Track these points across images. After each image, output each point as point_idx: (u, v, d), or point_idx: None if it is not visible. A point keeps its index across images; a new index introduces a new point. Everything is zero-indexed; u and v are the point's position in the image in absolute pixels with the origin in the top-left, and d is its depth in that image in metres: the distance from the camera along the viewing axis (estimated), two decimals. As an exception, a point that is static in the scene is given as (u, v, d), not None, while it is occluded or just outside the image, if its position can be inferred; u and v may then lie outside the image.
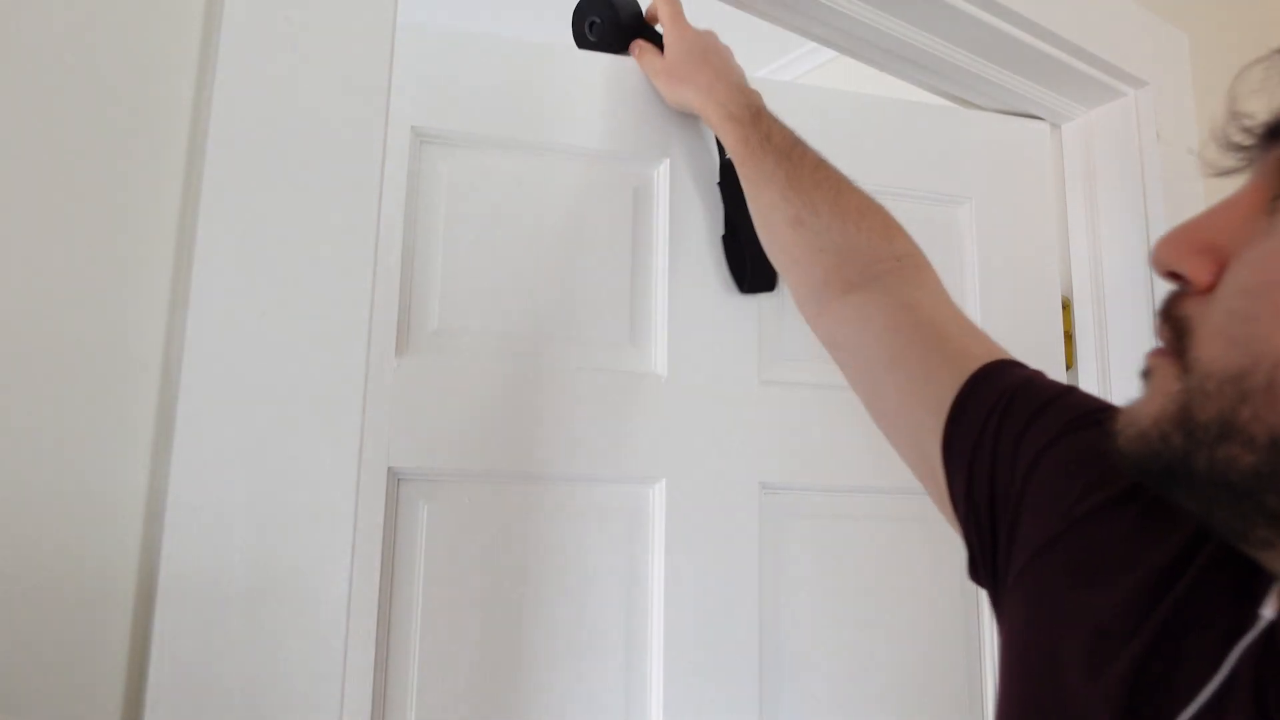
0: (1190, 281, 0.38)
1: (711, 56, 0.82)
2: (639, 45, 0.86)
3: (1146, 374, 0.40)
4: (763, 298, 0.92)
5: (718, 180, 0.87)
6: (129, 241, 0.52)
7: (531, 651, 0.75)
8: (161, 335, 0.52)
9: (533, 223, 0.83)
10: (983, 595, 0.94)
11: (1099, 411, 0.52)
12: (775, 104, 0.86)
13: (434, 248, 0.78)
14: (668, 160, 0.87)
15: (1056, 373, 1.06)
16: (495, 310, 0.79)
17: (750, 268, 0.85)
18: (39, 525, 0.47)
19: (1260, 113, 0.38)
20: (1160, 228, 1.03)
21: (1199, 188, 1.10)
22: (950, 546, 0.94)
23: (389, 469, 0.72)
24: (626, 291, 0.85)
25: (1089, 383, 1.06)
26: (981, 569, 0.55)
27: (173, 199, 0.53)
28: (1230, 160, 0.39)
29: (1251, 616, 0.39)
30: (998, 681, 0.50)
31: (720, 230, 0.87)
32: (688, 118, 0.89)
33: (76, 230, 0.50)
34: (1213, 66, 1.20)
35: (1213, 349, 0.36)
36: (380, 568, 0.71)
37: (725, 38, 0.86)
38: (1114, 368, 1.05)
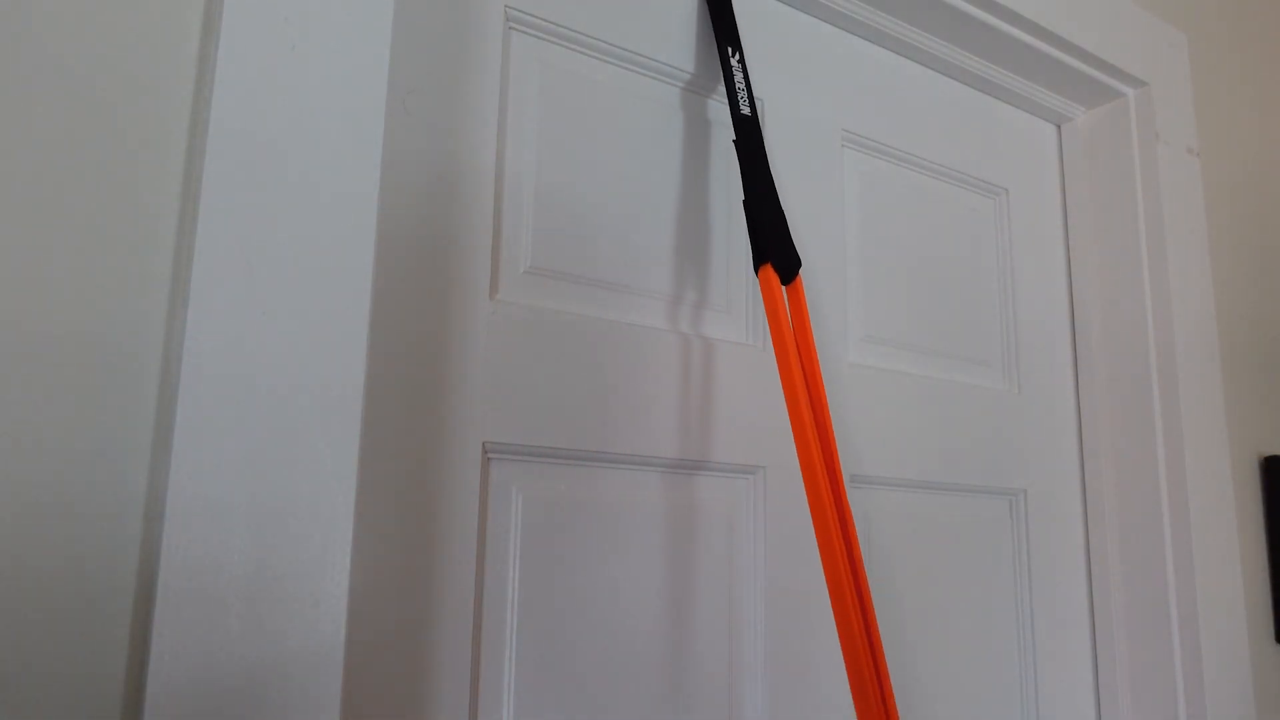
0: None
1: None
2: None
3: None
4: (852, 276, 0.86)
5: (733, 138, 0.74)
6: (129, 241, 0.52)
7: (628, 668, 0.71)
8: (161, 335, 0.52)
9: (629, 151, 0.76)
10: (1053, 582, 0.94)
11: None
12: (847, 62, 0.81)
13: (527, 161, 0.72)
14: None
15: (1065, 378, 1.07)
16: (586, 253, 0.73)
17: (761, 244, 0.69)
18: (39, 525, 0.47)
19: None
20: (1159, 228, 1.03)
21: (1198, 187, 1.10)
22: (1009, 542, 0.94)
23: (483, 444, 0.66)
24: (724, 252, 0.79)
25: (1089, 385, 1.07)
26: None
27: (173, 199, 0.53)
28: None
29: None
30: None
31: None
32: (791, 64, 0.85)
33: (76, 230, 0.50)
34: (1212, 66, 1.20)
35: None
36: (475, 559, 0.65)
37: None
38: (1115, 370, 1.05)
